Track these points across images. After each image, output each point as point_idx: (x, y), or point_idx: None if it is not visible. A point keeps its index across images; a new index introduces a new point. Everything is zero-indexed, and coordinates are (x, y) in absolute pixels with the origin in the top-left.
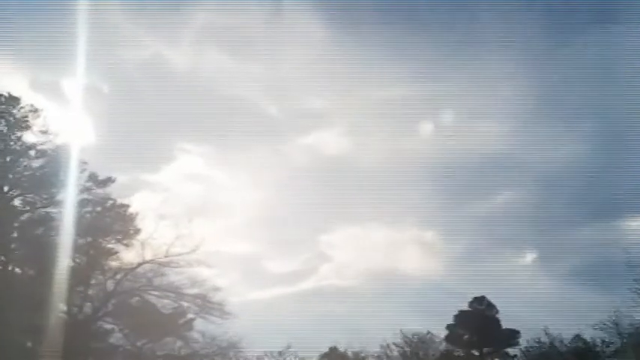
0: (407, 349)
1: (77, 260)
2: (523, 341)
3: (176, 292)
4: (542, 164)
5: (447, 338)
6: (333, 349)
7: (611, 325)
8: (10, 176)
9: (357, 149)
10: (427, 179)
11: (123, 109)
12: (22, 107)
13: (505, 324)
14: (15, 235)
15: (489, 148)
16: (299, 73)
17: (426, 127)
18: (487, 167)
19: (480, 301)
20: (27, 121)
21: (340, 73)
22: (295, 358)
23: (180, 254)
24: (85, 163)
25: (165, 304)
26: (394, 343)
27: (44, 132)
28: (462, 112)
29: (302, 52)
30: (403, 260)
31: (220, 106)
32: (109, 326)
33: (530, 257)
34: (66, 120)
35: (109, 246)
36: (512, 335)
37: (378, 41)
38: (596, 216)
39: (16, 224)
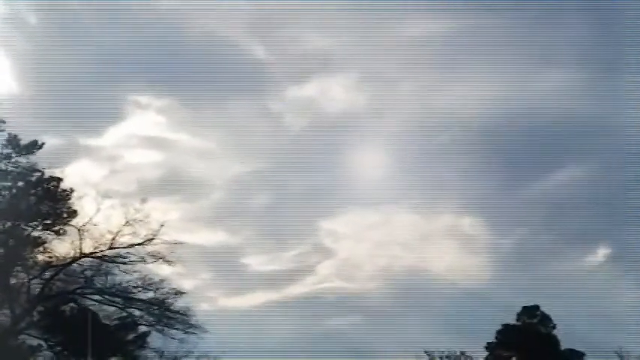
0: None
1: None
2: None
3: (125, 296)
4: (629, 129)
5: None
6: None
7: None
8: None
9: (374, 105)
10: (468, 148)
11: (56, 50)
12: None
13: (565, 343)
14: None
15: (553, 106)
16: (296, 3)
17: (469, 77)
18: (549, 133)
19: (531, 312)
20: None
21: (352, 3)
22: None
23: (130, 246)
24: (3, 122)
25: (110, 312)
26: None
27: None
28: (518, 57)
29: None
30: (433, 257)
31: (190, 47)
32: (34, 342)
33: (602, 255)
34: None
35: (35, 234)
36: (574, 357)
37: None
38: None
39: None
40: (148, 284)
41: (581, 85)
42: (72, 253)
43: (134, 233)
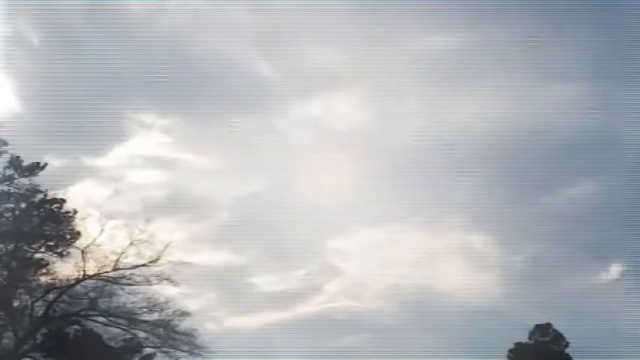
0: None
1: None
2: None
3: (129, 317)
4: None
5: None
6: None
7: None
8: None
9: (381, 122)
10: (478, 163)
11: (58, 69)
12: None
13: None
14: None
15: (564, 118)
16: (301, 19)
17: (478, 91)
18: (561, 146)
19: (544, 330)
20: None
21: (358, 17)
22: None
23: (134, 267)
24: (5, 143)
25: (114, 334)
26: None
27: None
28: (527, 71)
29: None
30: (442, 275)
31: (193, 65)
32: None
33: (616, 271)
34: None
35: (38, 256)
36: None
37: None
38: None
39: None
40: (152, 305)
41: (592, 97)
42: (75, 275)
43: (138, 254)
